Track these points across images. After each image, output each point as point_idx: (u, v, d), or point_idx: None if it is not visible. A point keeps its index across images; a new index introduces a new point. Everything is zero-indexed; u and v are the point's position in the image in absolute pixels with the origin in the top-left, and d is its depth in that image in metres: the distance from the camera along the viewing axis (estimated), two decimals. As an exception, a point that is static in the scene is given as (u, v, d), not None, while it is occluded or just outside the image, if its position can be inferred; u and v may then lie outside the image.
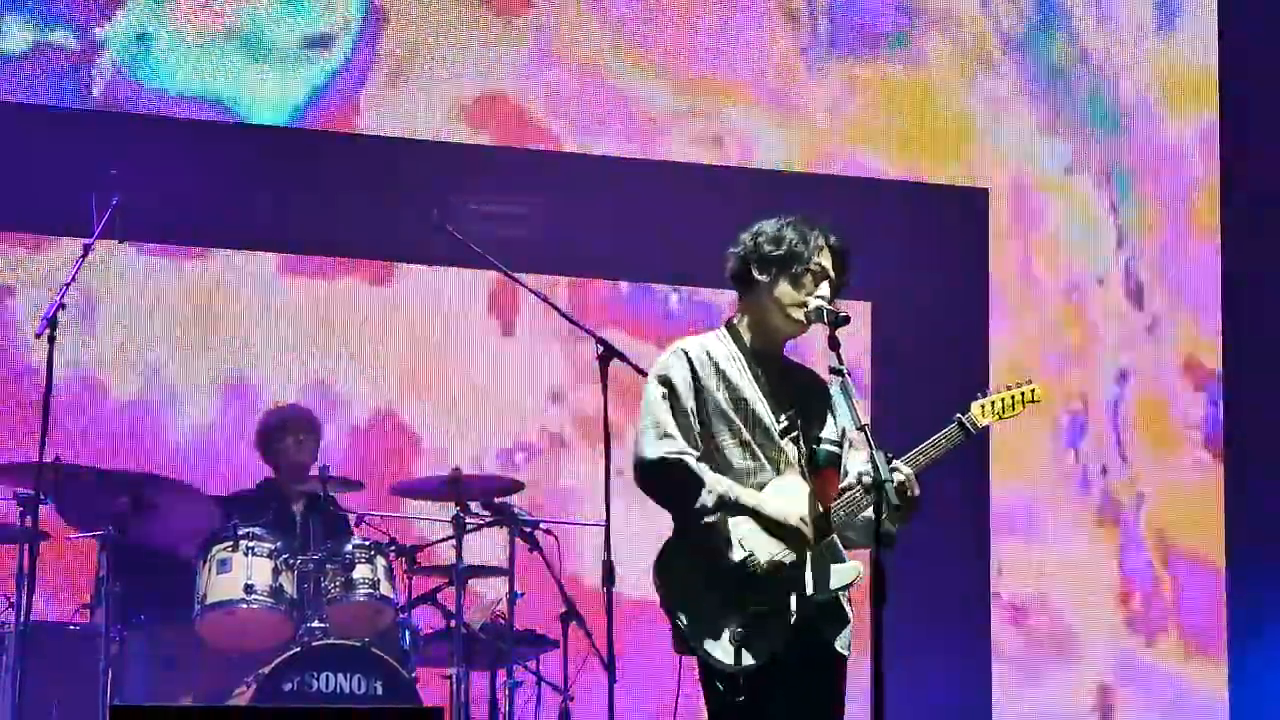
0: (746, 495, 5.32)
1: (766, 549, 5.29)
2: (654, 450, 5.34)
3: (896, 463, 5.25)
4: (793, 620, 5.27)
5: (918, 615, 8.63)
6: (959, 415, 5.46)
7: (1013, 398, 5.51)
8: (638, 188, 9.67)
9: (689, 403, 5.39)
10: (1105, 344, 10.22)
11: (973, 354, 10.00)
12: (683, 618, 5.29)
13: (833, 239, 5.49)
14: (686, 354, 5.46)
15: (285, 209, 9.28)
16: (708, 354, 5.46)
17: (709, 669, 5.28)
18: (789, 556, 5.28)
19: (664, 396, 5.40)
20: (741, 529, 5.31)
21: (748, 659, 5.23)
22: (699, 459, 5.34)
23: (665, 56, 9.85)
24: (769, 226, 5.50)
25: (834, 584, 5.32)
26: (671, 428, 5.36)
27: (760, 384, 5.46)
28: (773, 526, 5.31)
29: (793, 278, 5.43)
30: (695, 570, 5.33)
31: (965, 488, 9.60)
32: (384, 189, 9.34)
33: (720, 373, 5.43)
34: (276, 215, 9.30)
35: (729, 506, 5.31)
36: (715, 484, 5.31)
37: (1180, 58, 10.42)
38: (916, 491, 5.29)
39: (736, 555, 5.27)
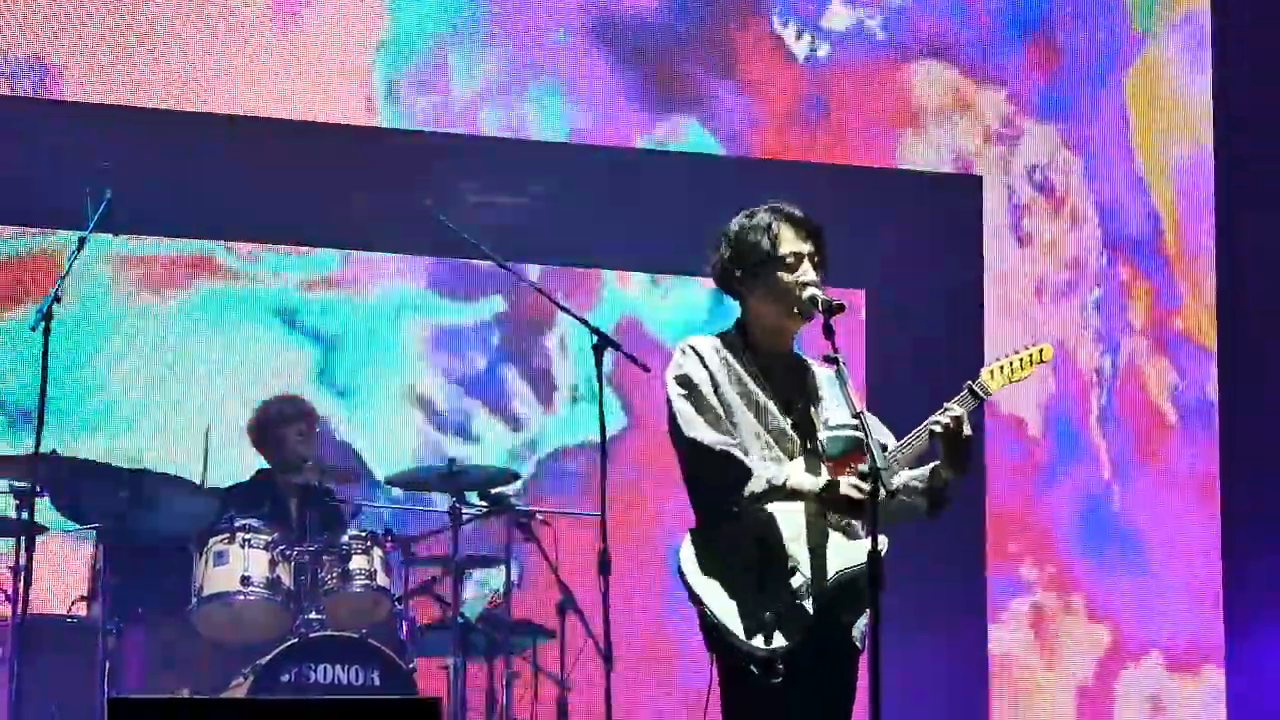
0: (794, 479, 5.28)
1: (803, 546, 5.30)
2: (703, 437, 5.31)
3: (949, 404, 5.28)
4: (816, 600, 5.26)
5: (914, 611, 8.63)
6: (969, 382, 5.39)
7: (1020, 360, 5.46)
8: (632, 177, 9.67)
9: (710, 396, 5.38)
10: (1100, 328, 10.22)
11: (967, 340, 10.01)
12: (711, 605, 5.28)
13: (793, 213, 5.45)
14: (695, 349, 5.44)
15: (278, 201, 9.27)
16: (715, 350, 5.45)
17: (738, 655, 5.25)
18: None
19: (684, 396, 5.38)
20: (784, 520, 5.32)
21: (780, 641, 5.23)
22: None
23: (657, 44, 9.85)
24: (732, 230, 5.46)
25: (855, 562, 5.30)
26: (704, 423, 5.34)
27: (767, 381, 5.44)
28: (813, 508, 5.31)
29: (771, 275, 5.41)
30: (724, 557, 5.31)
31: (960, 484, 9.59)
32: (380, 179, 9.33)
33: (730, 368, 5.43)
34: (270, 207, 9.28)
35: (779, 492, 5.28)
36: (763, 470, 5.28)
37: (1173, 47, 10.42)
38: (968, 431, 5.28)
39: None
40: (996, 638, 9.92)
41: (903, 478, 5.33)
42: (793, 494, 5.27)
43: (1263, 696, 9.89)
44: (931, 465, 5.37)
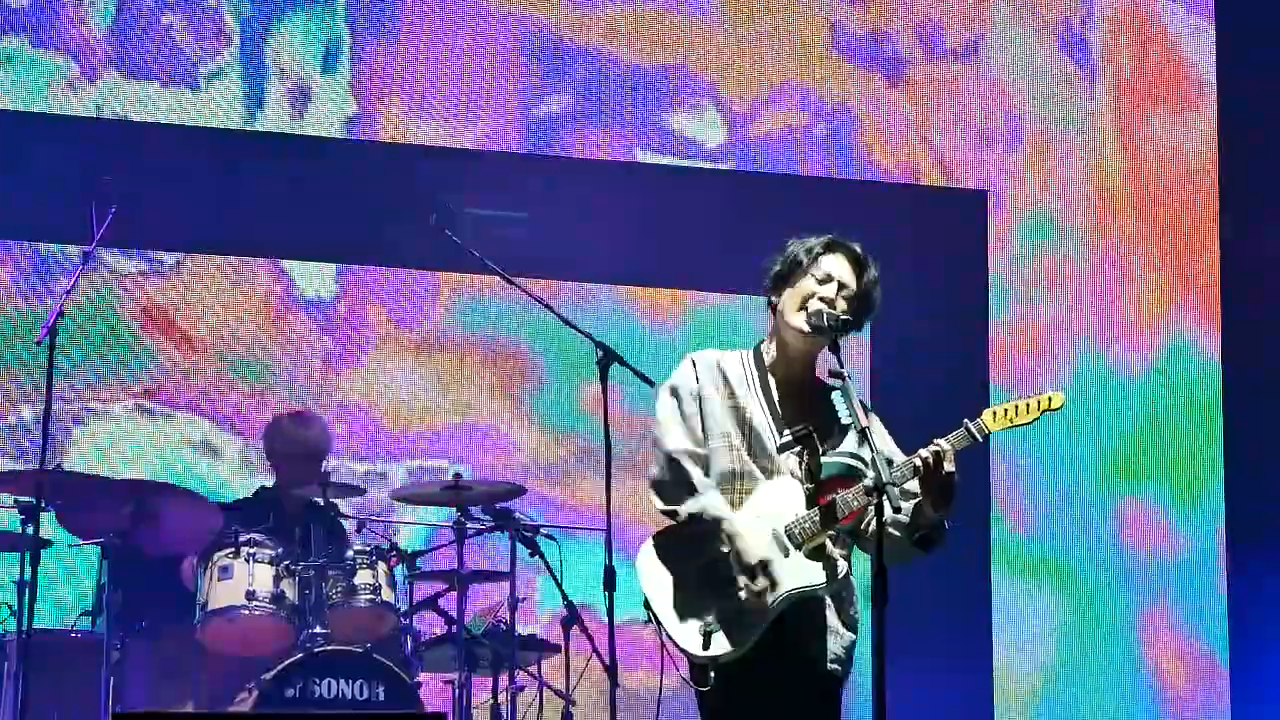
0: (726, 521, 5.30)
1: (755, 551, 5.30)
2: (667, 442, 5.39)
3: (939, 440, 5.26)
4: (768, 617, 5.26)
5: (918, 617, 8.62)
6: (966, 420, 5.35)
7: (1028, 405, 5.38)
8: (636, 191, 9.67)
9: (691, 407, 5.42)
10: (1104, 345, 10.22)
11: (973, 356, 10.01)
12: (656, 606, 5.33)
13: (850, 245, 5.47)
14: (694, 362, 5.51)
15: (283, 215, 9.28)
16: (718, 363, 5.49)
17: (687, 661, 5.31)
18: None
19: (668, 402, 5.45)
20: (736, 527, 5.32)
21: (717, 649, 5.25)
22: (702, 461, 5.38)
23: (663, 57, 9.86)
24: (787, 242, 5.51)
25: (813, 580, 5.31)
26: (677, 430, 5.39)
27: (769, 399, 5.45)
28: (756, 534, 5.31)
29: (796, 280, 5.43)
30: (677, 561, 5.36)
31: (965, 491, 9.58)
32: (383, 194, 9.34)
33: (726, 382, 5.45)
34: (275, 221, 9.29)
35: (704, 524, 5.31)
36: (701, 497, 5.32)
37: (1178, 57, 10.43)
38: (950, 468, 5.25)
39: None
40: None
41: (887, 513, 5.26)
42: (723, 533, 5.28)
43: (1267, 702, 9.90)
44: (916, 500, 5.35)
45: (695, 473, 5.35)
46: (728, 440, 5.40)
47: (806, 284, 5.41)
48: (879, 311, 5.53)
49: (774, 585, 5.25)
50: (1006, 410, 5.38)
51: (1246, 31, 10.37)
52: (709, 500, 5.32)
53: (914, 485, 5.31)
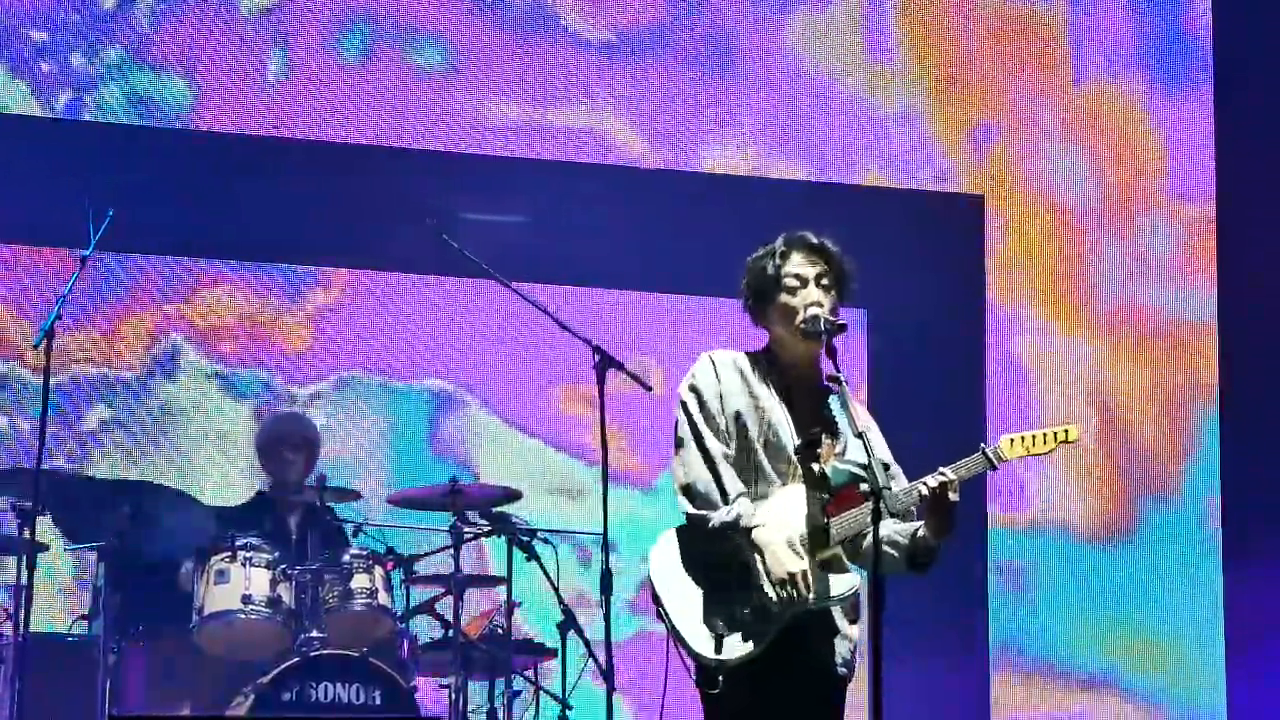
0: (758, 531, 5.27)
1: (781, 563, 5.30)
2: (697, 445, 5.37)
3: (956, 463, 5.26)
4: (780, 624, 5.25)
5: (914, 623, 8.62)
6: (984, 446, 5.36)
7: (1045, 436, 5.40)
8: (634, 196, 9.67)
9: (714, 404, 5.40)
10: (1103, 352, 10.22)
11: (969, 360, 10.01)
12: (668, 607, 5.31)
13: (804, 236, 5.46)
14: (712, 360, 5.48)
15: (281, 218, 9.28)
16: (733, 361, 5.48)
17: (689, 658, 5.30)
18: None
19: (692, 402, 5.41)
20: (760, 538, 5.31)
21: (728, 653, 5.24)
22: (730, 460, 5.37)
23: (665, 65, 9.88)
24: (749, 259, 5.50)
25: (833, 592, 5.31)
26: (707, 431, 5.38)
27: (785, 400, 5.44)
28: (784, 544, 5.31)
29: (776, 298, 5.43)
30: (695, 561, 5.34)
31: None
32: (381, 199, 9.34)
33: (745, 380, 5.44)
34: (272, 225, 9.29)
35: (740, 532, 5.29)
36: (734, 506, 5.30)
37: (1176, 79, 10.46)
38: (954, 497, 5.24)
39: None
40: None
41: (887, 529, 5.24)
42: (750, 541, 5.26)
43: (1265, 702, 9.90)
44: (917, 524, 5.35)
45: (729, 478, 5.33)
46: (747, 441, 5.39)
47: (784, 296, 5.41)
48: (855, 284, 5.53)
49: (800, 596, 5.24)
50: (1024, 439, 5.40)
51: (1244, 31, 10.38)
52: (743, 509, 5.30)
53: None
